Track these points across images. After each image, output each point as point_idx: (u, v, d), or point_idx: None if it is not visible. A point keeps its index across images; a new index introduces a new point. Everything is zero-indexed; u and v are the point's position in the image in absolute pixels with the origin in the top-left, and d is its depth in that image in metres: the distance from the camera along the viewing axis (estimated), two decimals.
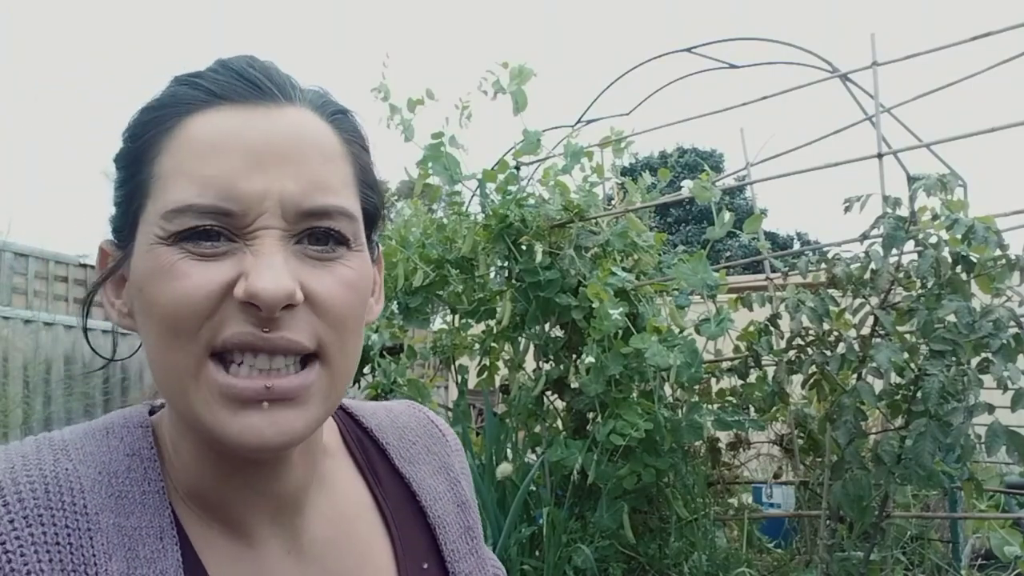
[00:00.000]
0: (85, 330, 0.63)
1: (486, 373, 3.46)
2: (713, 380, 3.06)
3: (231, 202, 0.51)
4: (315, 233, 0.53)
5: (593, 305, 2.82)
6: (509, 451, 3.20)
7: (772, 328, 2.78)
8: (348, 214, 0.55)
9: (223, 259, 0.51)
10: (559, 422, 3.32)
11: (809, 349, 2.63)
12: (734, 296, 3.02)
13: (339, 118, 0.58)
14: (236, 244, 0.51)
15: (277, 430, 0.51)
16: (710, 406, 2.96)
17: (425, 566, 0.66)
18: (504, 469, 3.00)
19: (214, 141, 0.52)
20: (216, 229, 0.51)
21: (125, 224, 0.55)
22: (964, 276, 2.37)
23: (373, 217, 0.60)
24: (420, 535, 0.67)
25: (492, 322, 3.35)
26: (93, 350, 0.64)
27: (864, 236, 2.55)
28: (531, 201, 3.23)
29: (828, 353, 2.54)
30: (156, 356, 0.53)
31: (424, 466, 0.71)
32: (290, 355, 0.52)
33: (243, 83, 0.54)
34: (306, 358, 0.53)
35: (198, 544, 0.55)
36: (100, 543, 0.50)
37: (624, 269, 3.10)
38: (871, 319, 2.51)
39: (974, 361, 2.32)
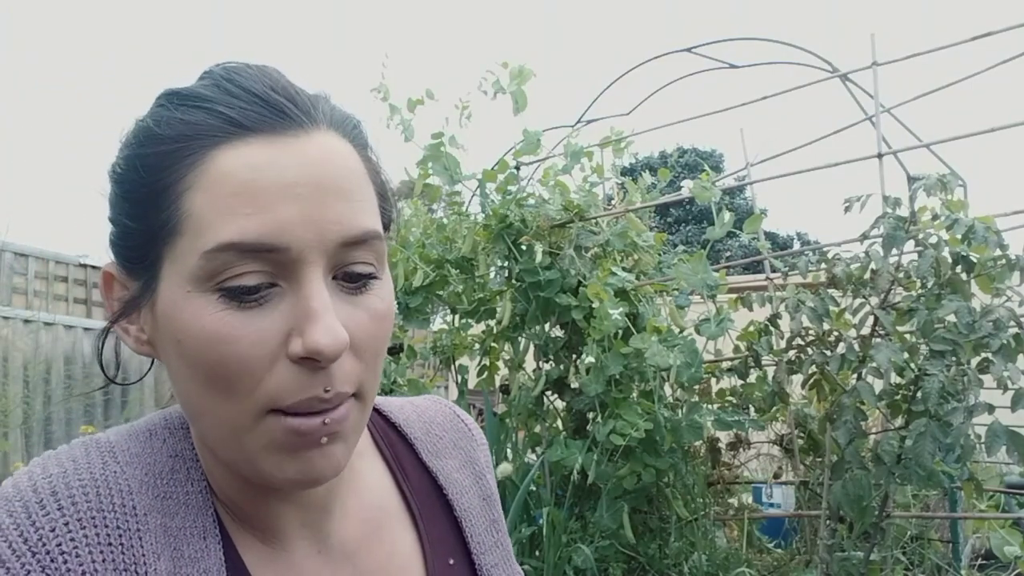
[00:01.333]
0: (100, 360, 0.63)
1: (486, 373, 3.46)
2: (713, 380, 3.06)
3: (275, 238, 0.48)
4: (350, 273, 0.52)
5: (593, 305, 2.82)
6: (509, 451, 3.20)
7: (772, 328, 2.78)
8: (380, 236, 0.54)
9: (269, 308, 0.50)
10: (559, 422, 3.32)
11: (809, 349, 2.63)
12: (734, 296, 3.02)
13: (356, 133, 0.56)
14: (279, 288, 0.50)
15: (328, 464, 0.53)
16: (710, 406, 2.96)
17: (451, 561, 0.66)
18: (504, 469, 3.00)
19: (249, 177, 0.49)
20: (259, 275, 0.49)
21: (143, 256, 0.52)
22: (964, 276, 2.37)
23: (387, 226, 0.60)
24: (447, 529, 0.68)
25: (492, 322, 3.35)
26: (109, 377, 0.65)
27: (864, 236, 2.55)
28: (531, 201, 3.24)
29: (828, 353, 2.54)
30: (200, 404, 0.52)
31: (451, 460, 0.71)
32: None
33: (270, 112, 0.51)
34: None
35: (240, 544, 0.57)
36: (149, 543, 0.52)
37: (624, 269, 3.10)
38: (871, 319, 2.51)
39: (974, 361, 2.32)
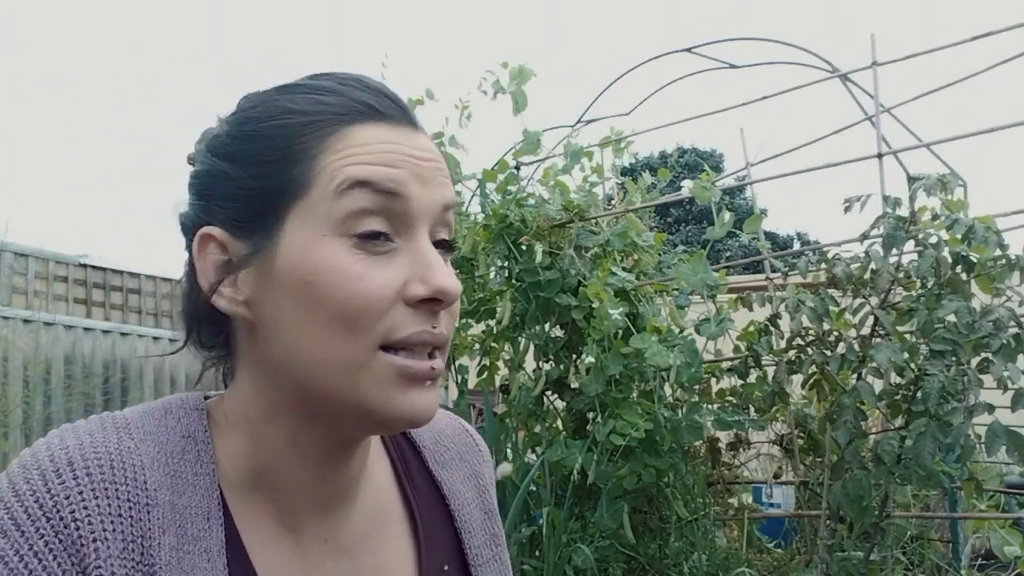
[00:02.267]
0: (195, 324, 0.65)
1: (486, 373, 3.46)
2: (713, 380, 3.06)
3: (399, 186, 0.56)
4: (440, 240, 0.60)
5: (593, 305, 2.82)
6: (509, 451, 3.20)
7: (772, 328, 2.78)
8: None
9: (391, 259, 0.56)
10: (559, 422, 3.32)
11: (809, 349, 2.63)
12: (734, 296, 3.02)
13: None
14: (396, 244, 0.57)
15: (428, 405, 0.58)
16: (710, 406, 2.96)
17: (446, 568, 0.67)
18: (504, 469, 3.00)
19: (382, 148, 0.57)
20: (383, 229, 0.56)
21: (255, 215, 0.57)
22: (964, 276, 2.37)
23: None
24: (446, 537, 0.69)
25: (492, 322, 3.35)
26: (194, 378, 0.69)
27: (864, 236, 2.55)
28: (531, 201, 3.24)
29: (828, 353, 2.54)
30: (315, 346, 0.56)
31: (456, 472, 0.73)
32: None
33: (396, 106, 0.60)
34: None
35: (242, 526, 0.59)
36: (156, 517, 0.54)
37: (624, 269, 3.10)
38: (871, 319, 2.51)
39: (974, 361, 2.32)
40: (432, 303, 0.56)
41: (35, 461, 0.54)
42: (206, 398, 0.65)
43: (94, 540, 0.52)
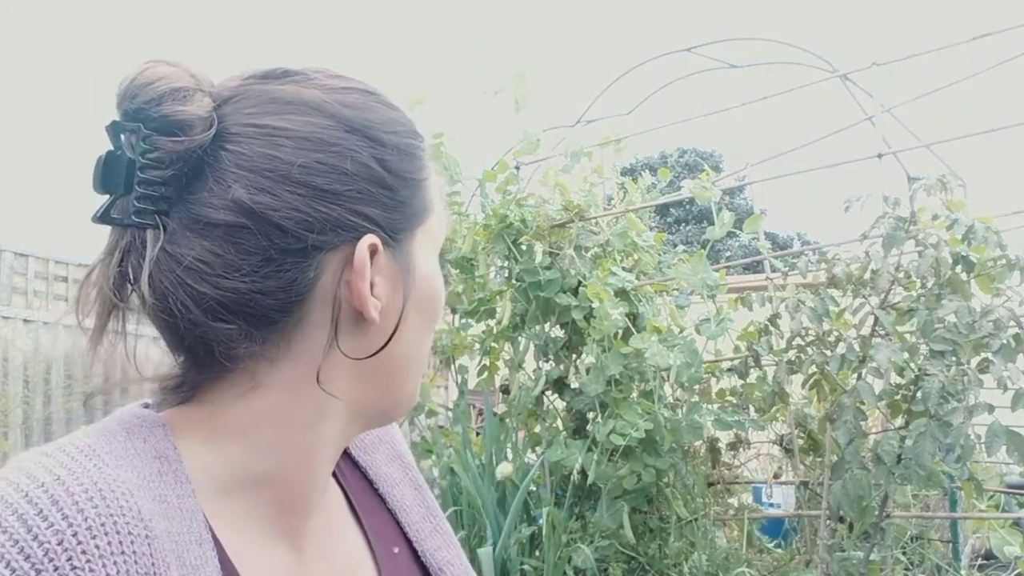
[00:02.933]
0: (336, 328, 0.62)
1: (486, 373, 3.46)
2: (713, 380, 3.06)
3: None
4: None
5: (593, 305, 2.82)
6: (509, 451, 3.20)
7: (772, 328, 2.78)
8: None
9: None
10: (559, 422, 3.32)
11: (809, 349, 2.63)
12: (734, 296, 3.02)
13: None
14: None
15: None
16: (710, 406, 2.96)
17: (396, 550, 0.68)
18: (504, 469, 3.00)
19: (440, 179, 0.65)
20: None
21: (405, 230, 0.59)
22: (964, 276, 2.37)
23: None
24: (385, 521, 0.69)
25: (492, 322, 3.35)
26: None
27: (864, 236, 2.55)
28: (531, 201, 3.24)
29: (828, 353, 2.54)
30: (417, 349, 0.61)
31: (378, 454, 0.73)
32: None
33: None
34: None
35: (228, 545, 0.55)
36: (159, 550, 0.49)
37: (624, 269, 3.10)
38: (871, 319, 2.51)
39: (974, 361, 2.32)
40: None
41: (8, 507, 0.46)
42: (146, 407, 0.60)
43: None
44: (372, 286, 0.56)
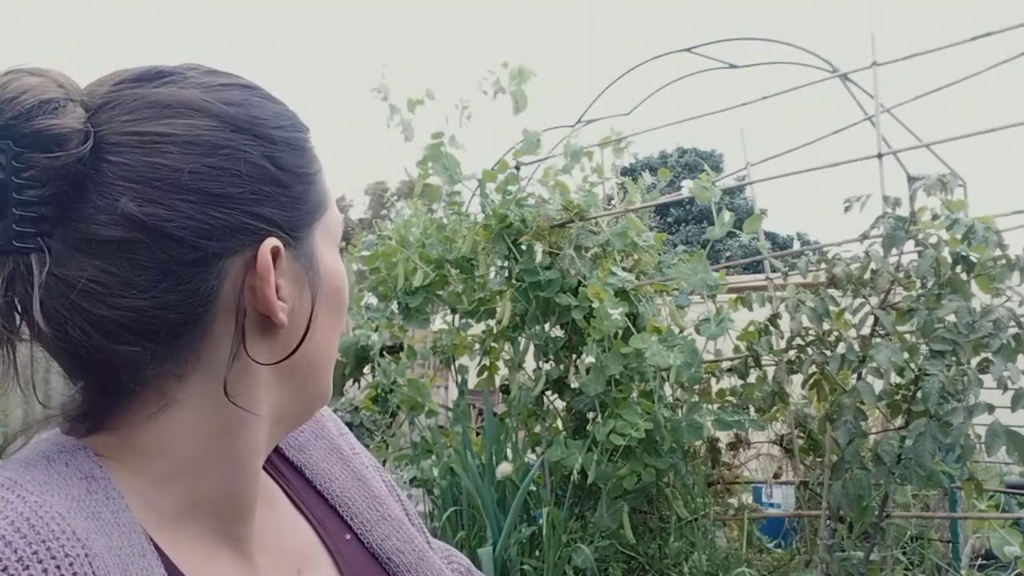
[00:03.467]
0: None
1: (486, 373, 3.46)
2: (713, 380, 3.06)
3: None
4: None
5: (593, 305, 2.82)
6: (509, 451, 3.20)
7: (772, 328, 2.78)
8: None
9: None
10: (559, 422, 3.32)
11: (809, 349, 2.63)
12: (734, 296, 3.02)
13: None
14: None
15: None
16: (710, 406, 2.96)
17: (348, 537, 0.69)
18: (504, 469, 3.00)
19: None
20: None
21: (298, 226, 0.57)
22: (964, 276, 2.37)
23: None
24: (330, 514, 0.69)
25: (492, 322, 3.35)
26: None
27: (864, 236, 2.55)
28: (531, 201, 3.24)
29: (828, 353, 2.54)
30: (327, 345, 0.61)
31: (315, 451, 0.72)
32: None
33: None
34: None
35: (176, 558, 0.54)
36: (100, 567, 0.47)
37: (624, 269, 3.10)
38: (871, 319, 2.51)
39: (974, 361, 2.32)
40: None
41: None
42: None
43: None
44: (277, 289, 0.54)
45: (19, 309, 0.49)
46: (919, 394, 2.29)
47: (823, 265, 2.64)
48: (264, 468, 0.66)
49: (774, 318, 2.78)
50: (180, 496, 0.55)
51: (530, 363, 3.34)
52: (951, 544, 3.19)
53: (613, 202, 3.50)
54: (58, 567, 0.44)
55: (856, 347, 2.50)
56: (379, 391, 3.66)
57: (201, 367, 0.53)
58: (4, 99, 0.48)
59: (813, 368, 2.61)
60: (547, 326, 3.22)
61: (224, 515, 0.57)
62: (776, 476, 3.44)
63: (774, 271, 3.12)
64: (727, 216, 2.94)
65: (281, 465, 0.70)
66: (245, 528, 0.59)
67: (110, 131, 0.50)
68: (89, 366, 0.52)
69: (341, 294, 0.62)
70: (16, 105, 0.48)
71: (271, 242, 0.53)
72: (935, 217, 2.44)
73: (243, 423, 0.56)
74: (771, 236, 15.03)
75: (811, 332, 2.63)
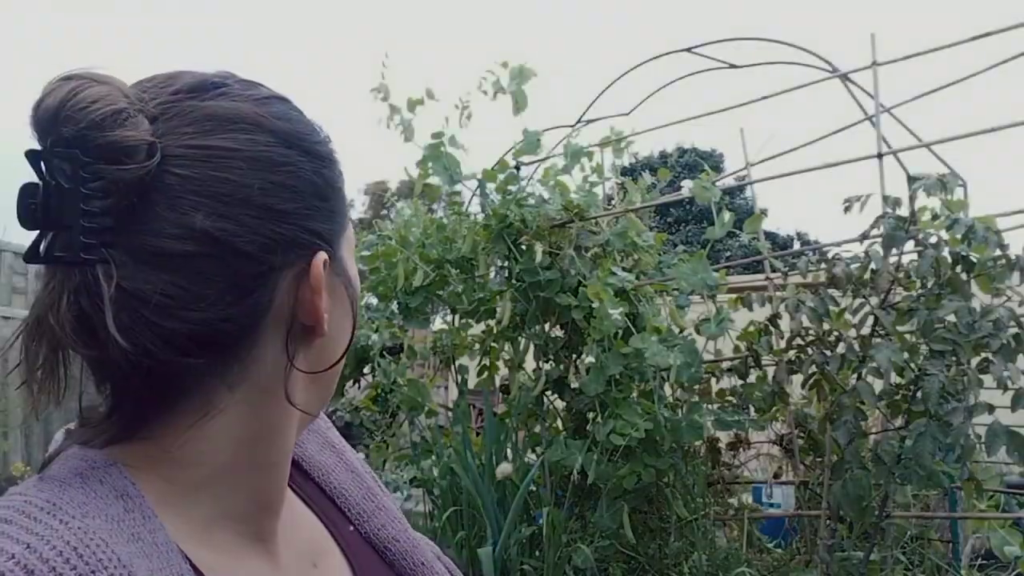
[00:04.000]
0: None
1: (486, 373, 3.46)
2: (713, 380, 3.06)
3: None
4: None
5: (593, 305, 2.82)
6: (509, 451, 3.20)
7: (772, 328, 2.78)
8: None
9: None
10: (559, 422, 3.32)
11: (809, 349, 2.63)
12: (734, 296, 3.02)
13: None
14: None
15: None
16: (710, 406, 2.96)
17: (352, 528, 0.70)
18: (504, 469, 3.00)
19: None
20: None
21: (335, 238, 0.59)
22: (964, 276, 2.37)
23: None
24: (330, 506, 0.71)
25: (492, 322, 3.35)
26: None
27: (864, 236, 2.55)
28: (531, 201, 3.24)
29: (828, 353, 2.54)
30: (342, 350, 0.61)
31: (310, 446, 0.74)
32: None
33: None
34: None
35: (205, 569, 0.53)
36: None
37: (624, 269, 3.10)
38: (871, 319, 2.51)
39: (974, 361, 2.32)
40: None
41: None
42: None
43: None
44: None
45: (89, 323, 0.49)
46: (919, 394, 2.30)
47: (823, 265, 2.64)
48: None
49: (774, 318, 2.78)
50: (212, 504, 0.55)
51: (530, 363, 3.34)
52: (951, 544, 3.19)
53: (613, 202, 3.49)
54: None
55: (856, 347, 2.50)
56: (379, 391, 3.66)
57: (249, 375, 0.54)
58: (76, 108, 0.48)
59: (813, 368, 2.61)
60: (547, 326, 3.22)
61: (254, 517, 0.58)
62: (776, 476, 3.44)
63: (774, 271, 3.11)
64: (727, 216, 2.94)
65: None
66: (272, 525, 0.60)
67: (173, 143, 0.50)
68: (137, 376, 0.51)
69: (355, 301, 0.63)
70: (89, 114, 0.48)
71: (323, 255, 0.55)
72: (935, 217, 2.44)
73: (278, 429, 0.57)
74: (771, 236, 15.06)
75: (811, 332, 2.63)
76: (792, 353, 2.68)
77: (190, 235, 0.49)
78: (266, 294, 0.52)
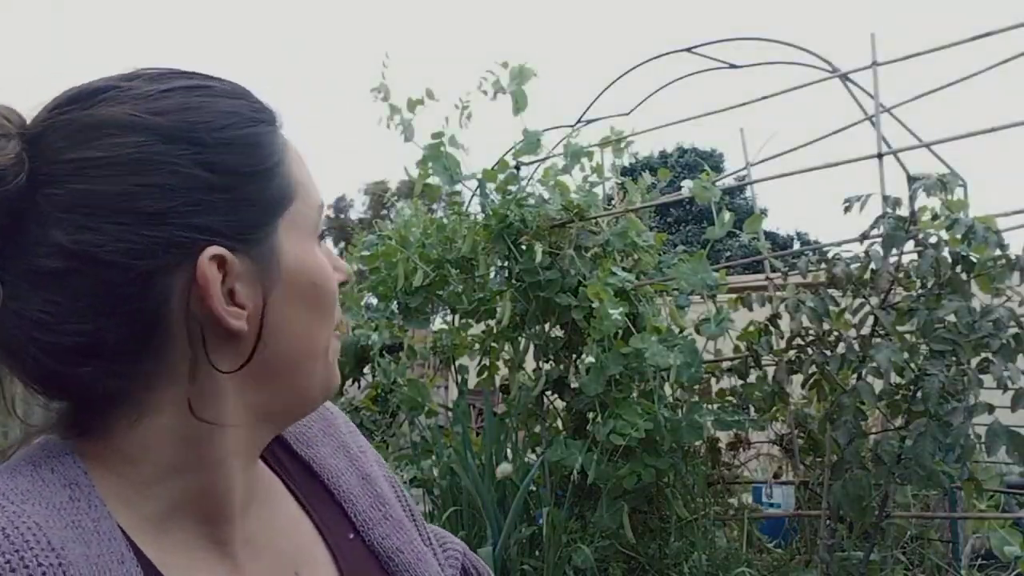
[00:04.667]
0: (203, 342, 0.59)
1: (486, 373, 3.46)
2: (713, 380, 3.06)
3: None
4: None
5: (593, 305, 2.82)
6: (509, 451, 3.20)
7: (772, 328, 2.78)
8: None
9: None
10: (559, 422, 3.32)
11: (809, 349, 2.63)
12: (734, 296, 3.02)
13: None
14: None
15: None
16: (710, 406, 2.96)
17: (351, 536, 0.69)
18: (504, 469, 3.00)
19: (301, 155, 0.62)
20: None
21: (257, 228, 0.56)
22: (964, 276, 2.37)
23: None
24: (333, 511, 0.69)
25: (492, 322, 3.35)
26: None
27: (864, 236, 2.55)
28: (531, 201, 3.24)
29: (828, 353, 2.54)
30: (316, 341, 0.60)
31: (323, 448, 0.72)
32: None
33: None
34: None
35: (159, 562, 0.54)
36: None
37: (624, 269, 3.10)
38: (871, 319, 2.51)
39: (974, 361, 2.32)
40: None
41: None
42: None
43: None
44: (233, 295, 0.55)
45: None
46: (919, 394, 2.29)
47: (823, 265, 2.64)
48: (268, 463, 0.67)
49: (774, 318, 2.78)
50: (163, 499, 0.56)
51: (530, 363, 3.34)
52: (951, 544, 3.19)
53: (613, 202, 3.49)
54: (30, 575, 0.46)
55: (856, 347, 2.50)
56: (379, 391, 3.66)
57: (169, 377, 0.54)
58: None
59: (813, 368, 2.61)
60: (547, 326, 3.22)
61: (206, 518, 0.58)
62: (776, 476, 3.44)
63: (774, 271, 3.11)
64: (727, 216, 2.94)
65: (287, 460, 0.70)
66: (228, 530, 0.59)
67: (45, 161, 0.51)
68: (57, 387, 0.55)
69: (316, 287, 0.59)
70: None
71: (211, 251, 0.53)
72: (935, 217, 2.44)
73: (216, 428, 0.56)
74: (771, 236, 15.07)
75: (811, 332, 2.63)
76: (792, 353, 2.68)
77: (53, 252, 0.50)
78: (151, 299, 0.52)
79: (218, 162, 0.54)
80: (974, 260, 2.35)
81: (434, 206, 4.44)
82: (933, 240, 2.39)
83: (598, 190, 3.45)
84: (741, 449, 3.32)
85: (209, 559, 0.57)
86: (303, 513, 0.67)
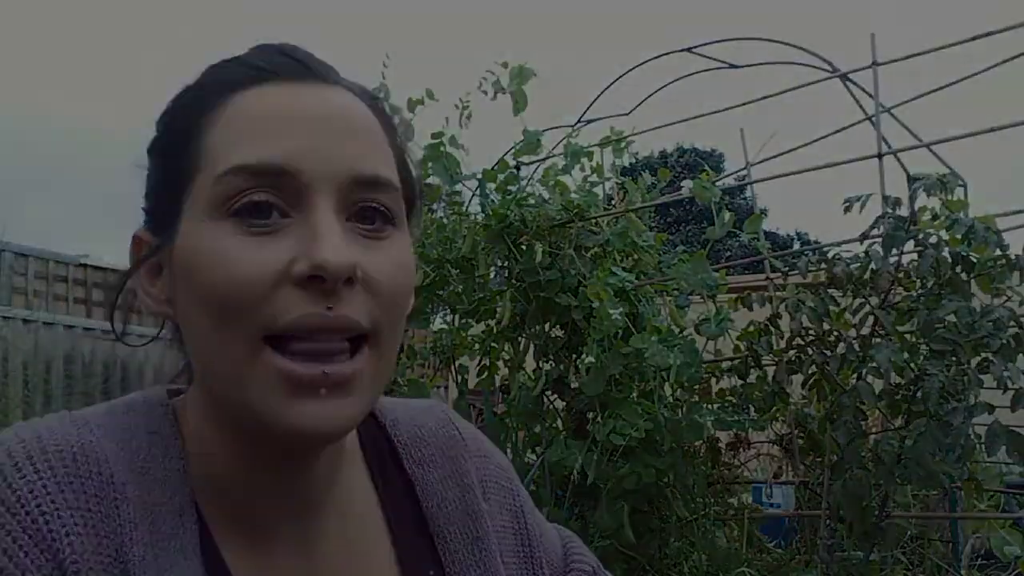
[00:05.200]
0: (118, 335, 0.65)
1: (486, 373, 3.46)
2: (713, 380, 3.06)
3: (284, 162, 0.50)
4: (365, 211, 0.53)
5: (593, 305, 2.82)
6: (509, 451, 3.19)
7: (772, 328, 2.78)
8: (396, 187, 0.55)
9: (277, 237, 0.50)
10: (559, 422, 3.32)
11: (809, 349, 2.62)
12: (734, 296, 3.02)
13: (376, 102, 0.58)
14: (290, 220, 0.51)
15: (332, 417, 0.51)
16: (710, 406, 2.96)
17: (432, 573, 0.64)
18: None
19: (266, 112, 0.52)
20: (269, 202, 0.50)
21: (163, 209, 0.55)
22: (964, 276, 2.37)
23: (411, 205, 0.60)
24: (422, 541, 0.65)
25: (492, 322, 3.35)
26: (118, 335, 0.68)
27: (864, 236, 2.55)
28: (531, 201, 3.24)
29: (828, 353, 2.54)
30: (205, 343, 0.52)
31: (435, 471, 0.67)
32: (347, 334, 0.51)
33: (291, 60, 0.55)
34: (357, 343, 0.52)
35: (215, 528, 0.56)
36: (126, 512, 0.51)
37: (624, 269, 3.10)
38: (871, 319, 2.51)
39: (974, 361, 2.32)
40: (321, 281, 0.49)
41: None
42: (178, 393, 0.61)
43: (67, 535, 0.49)
44: (152, 279, 0.58)
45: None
46: (919, 394, 2.29)
47: (823, 265, 2.64)
48: (376, 485, 0.65)
49: (774, 318, 2.78)
50: (211, 472, 0.58)
51: (530, 363, 3.34)
52: (951, 544, 3.19)
53: (613, 202, 3.49)
54: (87, 500, 0.51)
55: (856, 347, 2.50)
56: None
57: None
58: None
59: (813, 368, 2.61)
60: (547, 326, 3.22)
61: (249, 509, 0.58)
62: (776, 476, 3.44)
63: (774, 271, 3.11)
64: (727, 216, 2.94)
65: (394, 480, 0.66)
66: (273, 528, 0.58)
67: None
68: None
69: (193, 275, 0.51)
70: None
71: (135, 233, 0.59)
72: (935, 217, 2.44)
73: (212, 419, 0.59)
74: (771, 236, 15.06)
75: (811, 332, 2.63)
76: (792, 353, 2.68)
77: None
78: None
79: (153, 144, 0.58)
80: (974, 260, 2.35)
81: (434, 206, 4.44)
82: (933, 240, 2.39)
83: (598, 190, 3.45)
84: (741, 449, 3.32)
85: (256, 548, 0.58)
86: (390, 539, 0.63)
